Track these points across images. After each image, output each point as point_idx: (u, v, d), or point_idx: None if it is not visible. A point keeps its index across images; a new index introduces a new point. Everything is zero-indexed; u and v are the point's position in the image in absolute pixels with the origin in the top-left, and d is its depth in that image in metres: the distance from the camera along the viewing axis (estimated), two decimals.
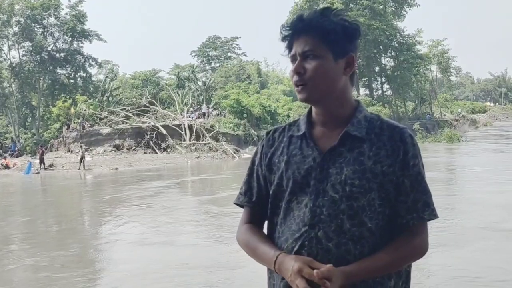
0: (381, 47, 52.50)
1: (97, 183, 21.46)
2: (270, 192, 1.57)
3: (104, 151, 34.42)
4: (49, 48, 48.04)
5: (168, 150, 34.37)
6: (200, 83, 51.03)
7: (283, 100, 46.68)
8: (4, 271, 7.80)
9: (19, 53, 47.37)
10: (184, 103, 42.15)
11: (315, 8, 1.63)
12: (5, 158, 31.85)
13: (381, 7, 50.46)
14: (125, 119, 37.87)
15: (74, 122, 37.60)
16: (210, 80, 52.00)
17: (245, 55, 75.79)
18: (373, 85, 56.90)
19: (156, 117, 37.95)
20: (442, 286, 6.23)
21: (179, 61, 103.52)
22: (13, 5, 45.00)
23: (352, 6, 48.93)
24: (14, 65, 46.56)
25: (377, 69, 55.64)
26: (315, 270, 1.35)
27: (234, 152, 31.31)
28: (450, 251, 7.45)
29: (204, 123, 35.84)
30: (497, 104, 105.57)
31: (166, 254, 8.30)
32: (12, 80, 46.62)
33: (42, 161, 27.33)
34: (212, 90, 49.57)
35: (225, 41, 76.34)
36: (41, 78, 47.58)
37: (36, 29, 47.45)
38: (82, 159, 26.83)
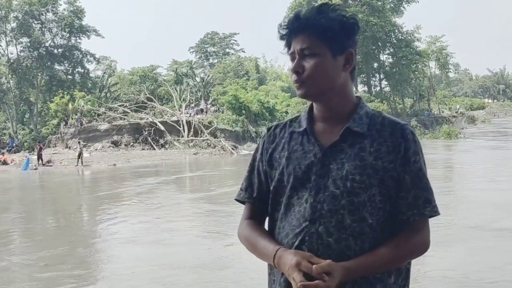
0: (379, 43, 52.48)
1: (94, 180, 21.46)
2: (271, 188, 1.57)
3: (102, 147, 34.45)
4: (47, 44, 47.96)
5: (166, 146, 34.40)
6: (198, 79, 50.99)
7: (281, 96, 46.65)
8: None
9: (17, 48, 47.35)
10: (182, 99, 42.15)
11: (313, 5, 1.62)
12: (3, 154, 31.84)
13: (380, 3, 50.37)
14: (123, 115, 37.86)
15: (72, 118, 37.59)
16: (208, 76, 51.94)
17: (243, 51, 75.70)
18: (371, 81, 56.85)
19: (154, 113, 37.94)
20: (429, 287, 6.16)
21: (177, 57, 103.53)
22: (11, 1, 44.87)
23: (351, 2, 48.85)
24: (12, 61, 46.45)
25: (375, 65, 55.59)
26: (314, 265, 1.35)
27: (232, 149, 31.33)
28: (441, 251, 7.26)
29: (202, 119, 35.83)
30: (495, 100, 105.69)
31: (154, 253, 8.19)
32: (10, 76, 46.53)
33: (40, 157, 27.34)
34: (210, 86, 49.54)
35: (223, 37, 76.24)
36: (39, 74, 47.52)
37: (34, 24, 47.34)
38: (80, 155, 26.85)
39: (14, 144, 39.26)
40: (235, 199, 1.70)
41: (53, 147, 36.08)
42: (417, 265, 6.56)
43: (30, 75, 47.33)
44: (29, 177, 23.26)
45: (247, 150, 31.71)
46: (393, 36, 52.67)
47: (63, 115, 39.24)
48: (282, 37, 1.55)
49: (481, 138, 37.13)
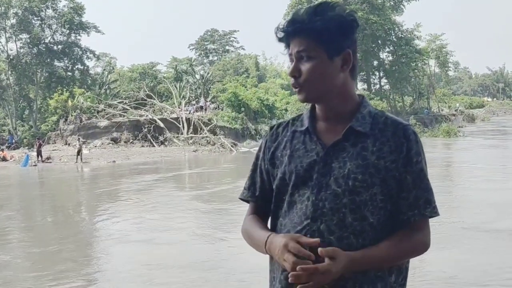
0: (379, 41, 52.48)
1: (93, 176, 21.46)
2: (274, 186, 1.58)
3: (102, 144, 34.46)
4: (47, 41, 47.91)
5: (166, 144, 34.41)
6: (198, 76, 50.94)
7: (281, 94, 46.66)
8: None
9: (16, 45, 47.30)
10: (182, 96, 42.12)
11: (312, 3, 1.63)
12: (2, 150, 31.86)
13: (380, 1, 50.35)
14: (122, 112, 37.86)
15: (72, 115, 37.59)
16: (208, 73, 51.91)
17: (243, 49, 75.75)
18: (371, 79, 56.87)
19: (154, 110, 37.95)
20: (425, 287, 6.09)
21: (177, 54, 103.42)
22: None
23: (351, 0, 48.81)
24: (11, 57, 46.39)
25: (375, 63, 55.61)
26: (320, 248, 1.36)
27: (231, 146, 31.35)
28: (435, 252, 7.22)
29: (202, 117, 35.84)
30: (494, 99, 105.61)
31: (144, 253, 8.14)
32: (9, 72, 46.46)
33: (39, 153, 27.34)
34: (210, 84, 49.52)
35: (223, 35, 76.21)
36: (39, 71, 47.48)
37: (33, 21, 47.26)
38: (79, 152, 26.84)
39: (13, 141, 39.24)
40: (239, 198, 1.71)
41: (53, 143, 36.09)
42: (412, 265, 6.54)
43: (29, 71, 47.26)
44: (28, 174, 23.27)
45: (247, 147, 31.73)
46: (393, 34, 52.68)
47: (62, 111, 39.19)
48: (279, 40, 1.56)
49: (480, 136, 37.12)
